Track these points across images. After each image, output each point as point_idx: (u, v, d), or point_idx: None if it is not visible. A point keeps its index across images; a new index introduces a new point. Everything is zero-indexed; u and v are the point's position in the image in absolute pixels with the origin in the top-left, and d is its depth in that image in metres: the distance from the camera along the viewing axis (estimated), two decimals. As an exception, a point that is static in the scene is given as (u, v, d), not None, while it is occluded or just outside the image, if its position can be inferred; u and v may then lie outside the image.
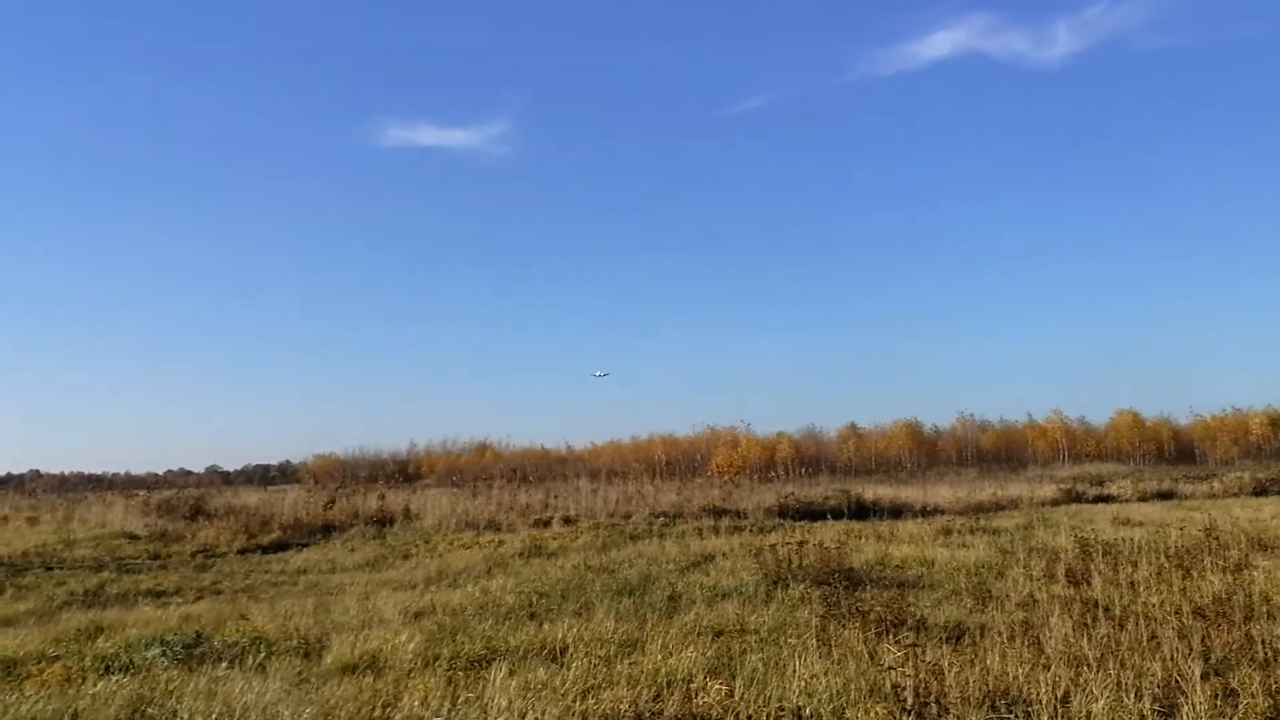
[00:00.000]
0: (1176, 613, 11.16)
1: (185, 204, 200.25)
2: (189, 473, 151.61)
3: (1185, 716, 7.46)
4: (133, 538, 31.66)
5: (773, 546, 18.46)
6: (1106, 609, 11.67)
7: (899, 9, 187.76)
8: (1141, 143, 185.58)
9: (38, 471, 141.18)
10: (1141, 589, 13.18)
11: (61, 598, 18.30)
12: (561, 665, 9.74)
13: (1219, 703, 7.80)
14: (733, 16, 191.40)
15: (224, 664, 10.41)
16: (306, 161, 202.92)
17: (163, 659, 10.87)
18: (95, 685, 9.58)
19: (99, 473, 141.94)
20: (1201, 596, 12.31)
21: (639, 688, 8.77)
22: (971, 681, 8.18)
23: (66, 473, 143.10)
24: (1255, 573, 14.06)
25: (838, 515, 34.77)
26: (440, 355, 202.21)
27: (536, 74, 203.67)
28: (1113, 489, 47.34)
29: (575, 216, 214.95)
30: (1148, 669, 8.54)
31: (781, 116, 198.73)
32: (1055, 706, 7.73)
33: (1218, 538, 17.78)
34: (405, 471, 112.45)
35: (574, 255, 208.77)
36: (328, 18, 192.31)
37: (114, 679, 9.86)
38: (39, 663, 11.05)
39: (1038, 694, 7.89)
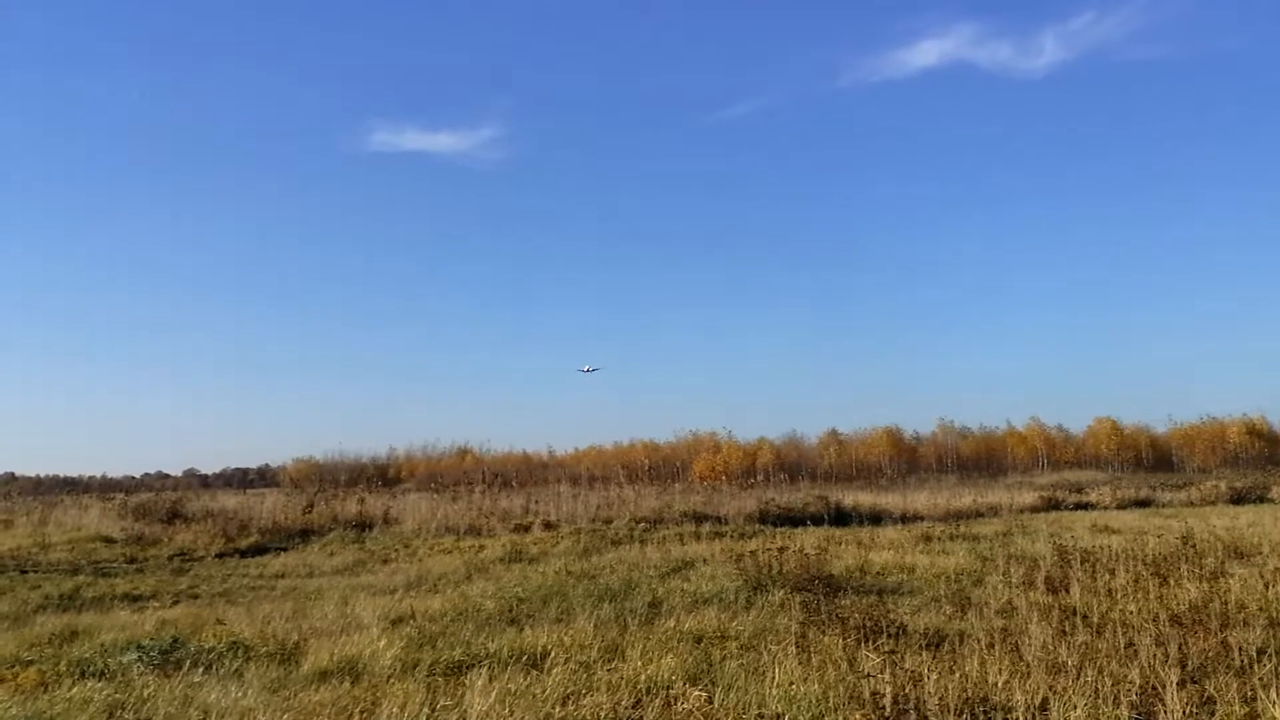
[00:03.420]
0: (1154, 620, 11.24)
1: (167, 208, 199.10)
2: (166, 476, 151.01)
3: (1162, 724, 7.51)
4: (109, 541, 31.32)
5: (753, 552, 18.51)
6: (1085, 616, 11.74)
7: (887, 17, 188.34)
8: (1125, 153, 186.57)
9: (13, 474, 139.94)
10: (1119, 596, 13.26)
11: (36, 601, 18.09)
12: (541, 671, 9.72)
13: (1196, 710, 7.86)
14: (725, 21, 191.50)
15: (200, 669, 10.32)
16: (290, 166, 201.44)
17: (139, 664, 10.76)
18: (70, 690, 9.50)
19: (75, 475, 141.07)
20: (1178, 604, 12.39)
21: (619, 694, 8.76)
22: (950, 688, 8.20)
23: (42, 475, 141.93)
24: (1231, 581, 14.17)
25: (818, 521, 34.86)
26: (421, 358, 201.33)
27: (527, 79, 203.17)
28: (1092, 496, 47.62)
29: (560, 221, 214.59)
30: (1125, 676, 8.59)
31: (772, 123, 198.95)
32: (1034, 713, 7.77)
33: (1195, 546, 17.91)
34: (385, 476, 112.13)
35: (557, 260, 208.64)
36: (313, 22, 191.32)
37: (89, 684, 9.77)
38: (13, 667, 10.95)
39: (1016, 701, 7.93)
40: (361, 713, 8.54)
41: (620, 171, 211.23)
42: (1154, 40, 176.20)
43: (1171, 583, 13.98)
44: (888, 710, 7.82)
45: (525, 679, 9.37)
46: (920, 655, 9.61)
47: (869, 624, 11.16)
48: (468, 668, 10.12)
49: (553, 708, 8.42)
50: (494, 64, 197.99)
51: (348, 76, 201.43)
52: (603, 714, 8.20)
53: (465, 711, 8.28)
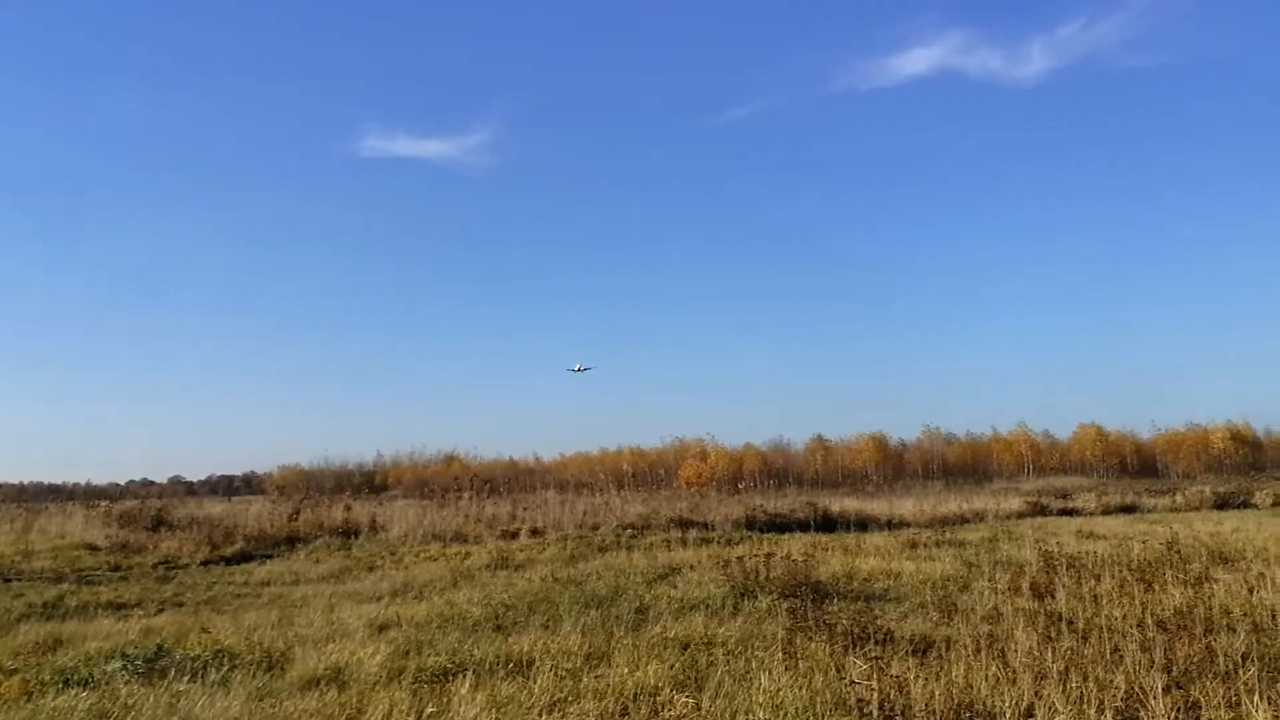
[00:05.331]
0: (1139, 625, 11.28)
1: (157, 213, 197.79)
2: (151, 483, 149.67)
3: (1147, 729, 7.54)
4: (93, 549, 31.16)
5: (740, 559, 18.51)
6: (1070, 622, 11.78)
7: (878, 24, 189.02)
8: (1111, 160, 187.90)
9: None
10: (1104, 602, 13.31)
11: (19, 610, 17.97)
12: (528, 679, 9.70)
13: (1181, 715, 7.89)
14: (719, 27, 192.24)
15: (185, 678, 10.26)
16: (282, 171, 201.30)
17: (123, 672, 10.70)
18: (54, 699, 9.44)
19: (59, 482, 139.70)
20: (1163, 609, 12.44)
21: (605, 701, 8.76)
22: (937, 694, 8.22)
23: (25, 482, 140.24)
24: (1216, 586, 14.24)
25: (804, 527, 34.89)
26: (409, 364, 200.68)
27: (519, 85, 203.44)
28: (1077, 502, 47.86)
29: (549, 227, 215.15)
30: (1111, 681, 8.62)
31: (764, 128, 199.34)
32: (1019, 719, 7.79)
33: (1179, 551, 18.01)
34: (372, 483, 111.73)
35: (546, 267, 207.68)
36: (306, 28, 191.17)
37: (73, 693, 9.72)
38: (-5, 676, 10.86)
39: (1002, 707, 7.95)
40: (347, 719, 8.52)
41: (611, 176, 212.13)
42: (1144, 47, 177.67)
43: (1156, 588, 14.05)
44: (874, 717, 7.84)
45: (512, 686, 9.36)
46: (907, 661, 9.64)
47: (856, 630, 11.16)
48: (454, 675, 10.10)
49: (539, 715, 8.41)
50: (486, 69, 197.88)
51: (339, 82, 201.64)
52: (590, 721, 8.20)
53: (451, 718, 8.26)
